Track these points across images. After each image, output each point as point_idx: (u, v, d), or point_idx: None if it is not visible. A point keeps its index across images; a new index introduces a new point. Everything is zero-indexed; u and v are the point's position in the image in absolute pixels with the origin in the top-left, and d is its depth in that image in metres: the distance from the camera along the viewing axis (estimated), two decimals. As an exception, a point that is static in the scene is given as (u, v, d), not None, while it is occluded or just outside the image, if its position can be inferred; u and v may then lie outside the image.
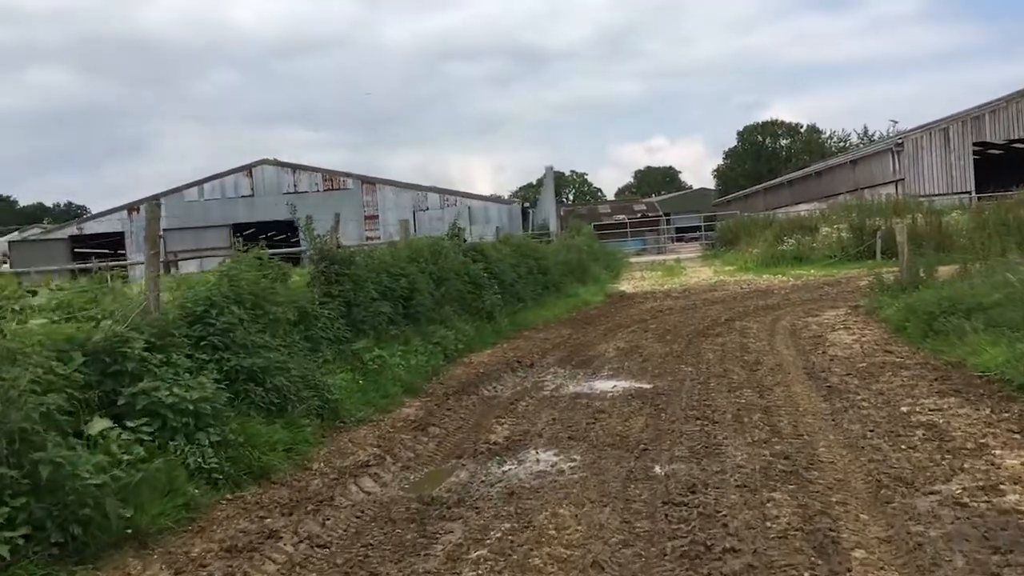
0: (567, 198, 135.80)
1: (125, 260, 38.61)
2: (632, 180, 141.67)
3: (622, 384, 10.08)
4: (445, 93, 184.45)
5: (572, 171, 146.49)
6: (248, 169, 44.06)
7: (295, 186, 44.08)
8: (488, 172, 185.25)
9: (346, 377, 8.32)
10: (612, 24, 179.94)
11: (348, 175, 44.61)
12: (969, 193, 42.22)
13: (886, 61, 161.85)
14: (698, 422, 7.73)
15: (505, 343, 14.01)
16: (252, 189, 43.87)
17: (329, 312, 8.89)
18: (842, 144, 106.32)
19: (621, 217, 75.16)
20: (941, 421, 7.16)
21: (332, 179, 44.32)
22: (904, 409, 7.71)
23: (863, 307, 16.50)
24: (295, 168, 44.32)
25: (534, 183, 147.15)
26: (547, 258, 20.43)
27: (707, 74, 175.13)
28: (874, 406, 7.93)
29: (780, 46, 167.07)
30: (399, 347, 10.12)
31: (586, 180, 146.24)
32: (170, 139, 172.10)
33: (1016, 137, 43.76)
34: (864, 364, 10.41)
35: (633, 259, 41.17)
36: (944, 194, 41.54)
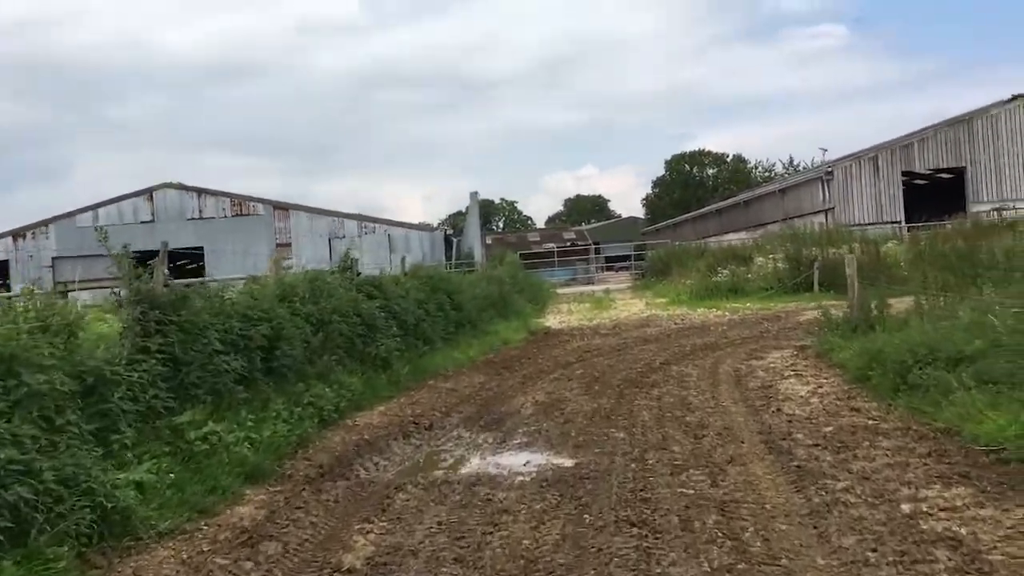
0: (497, 226, 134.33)
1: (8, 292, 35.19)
2: (562, 208, 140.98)
3: (537, 459, 7.96)
4: (377, 120, 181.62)
5: (502, 199, 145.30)
6: (149, 193, 41.02)
7: (200, 211, 41.21)
8: (419, 201, 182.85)
9: (153, 468, 5.99)
10: (546, 55, 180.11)
11: (259, 200, 41.91)
12: (899, 223, 41.66)
13: (808, 95, 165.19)
14: (634, 530, 5.64)
15: (404, 396, 11.79)
16: (153, 214, 40.80)
17: (141, 375, 6.56)
18: (767, 174, 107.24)
19: (550, 246, 73.70)
20: (964, 532, 5.21)
21: (241, 204, 41.56)
22: (906, 508, 5.75)
23: (811, 348, 14.79)
24: (200, 192, 41.44)
25: (463, 211, 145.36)
26: (463, 291, 18.29)
27: (637, 106, 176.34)
28: (864, 502, 5.96)
29: (709, 79, 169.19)
30: (250, 415, 7.81)
31: (516, 208, 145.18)
32: (89, 165, 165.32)
33: (944, 166, 43.48)
34: (831, 428, 8.51)
35: (561, 290, 39.34)
36: (874, 223, 40.86)
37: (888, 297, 15.28)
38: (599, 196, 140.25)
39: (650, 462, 7.52)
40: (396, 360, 12.17)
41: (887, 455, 7.23)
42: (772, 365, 13.42)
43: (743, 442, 8.16)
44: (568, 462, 7.75)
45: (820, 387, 11.05)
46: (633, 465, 7.45)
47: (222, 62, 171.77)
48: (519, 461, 7.96)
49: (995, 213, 36.39)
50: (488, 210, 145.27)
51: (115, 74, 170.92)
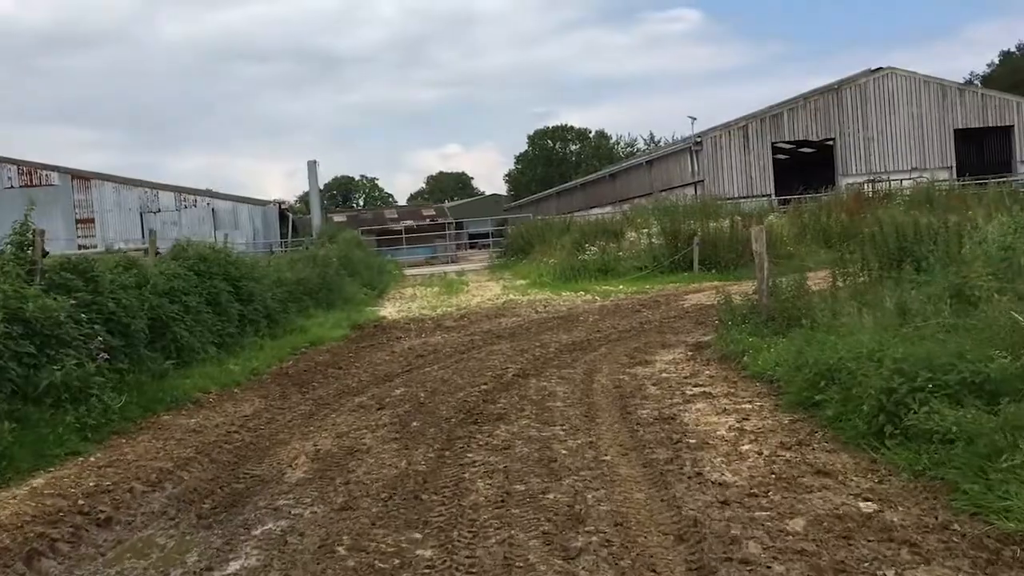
0: (357, 203, 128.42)
1: None
2: (424, 186, 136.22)
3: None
4: (232, 94, 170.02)
5: (362, 176, 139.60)
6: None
7: (-22, 181, 34.52)
8: (280, 178, 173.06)
9: None
10: (406, 32, 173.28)
11: (54, 168, 35.54)
12: (769, 195, 39.55)
13: (665, 76, 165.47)
14: None
15: (102, 450, 7.34)
16: (-88, 183, 33.84)
17: None
18: (630, 150, 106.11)
19: (409, 223, 69.22)
20: None
21: (31, 172, 35.07)
22: None
23: (710, 347, 11.23)
24: (-22, 158, 34.72)
25: (321, 188, 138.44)
26: (258, 278, 13.79)
27: (500, 84, 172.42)
28: None
29: (568, 59, 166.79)
30: None
31: (376, 185, 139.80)
32: None
33: (814, 137, 41.67)
34: (802, 526, 4.76)
35: (411, 271, 35.09)
36: (745, 197, 38.54)
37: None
38: (462, 173, 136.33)
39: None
40: (100, 388, 7.68)
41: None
42: (665, 375, 9.74)
43: (656, 572, 4.27)
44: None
45: (746, 419, 7.37)
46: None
47: (58, 30, 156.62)
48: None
49: (868, 185, 34.58)
50: (348, 187, 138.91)
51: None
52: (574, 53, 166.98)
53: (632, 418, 7.66)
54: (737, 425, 7.17)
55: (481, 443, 7.03)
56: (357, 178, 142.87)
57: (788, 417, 7.27)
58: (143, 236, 36.28)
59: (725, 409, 7.78)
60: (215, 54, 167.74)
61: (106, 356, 7.89)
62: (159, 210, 36.33)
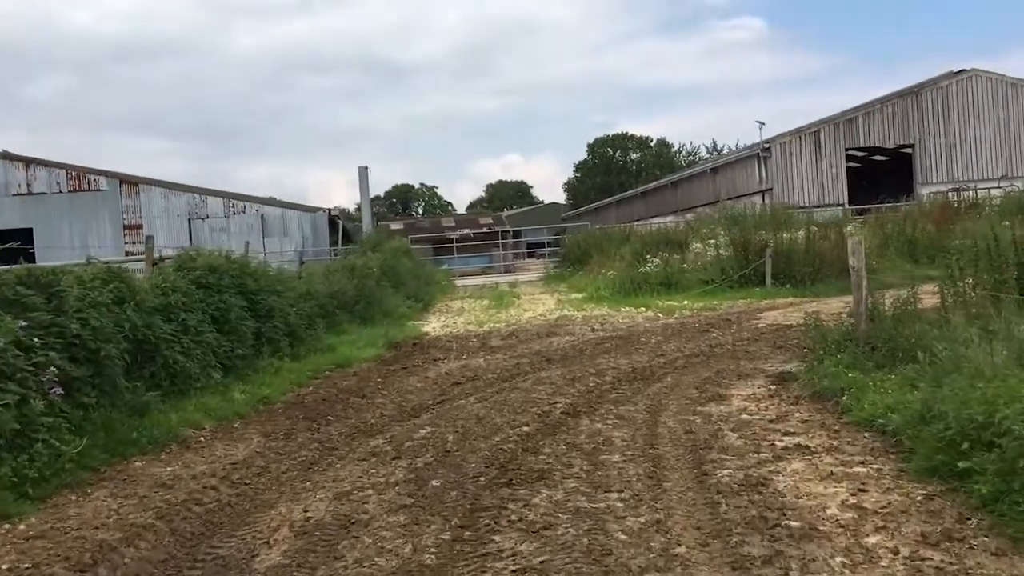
0: (416, 212, 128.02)
1: None
2: (483, 194, 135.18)
3: None
4: (298, 105, 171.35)
5: (421, 184, 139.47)
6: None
7: (29, 185, 34.09)
8: (343, 187, 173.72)
9: None
10: (468, 41, 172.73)
11: (102, 173, 34.94)
12: (842, 205, 37.15)
13: (727, 85, 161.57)
14: None
15: (38, 512, 5.87)
16: (-38, 189, 33.53)
17: None
18: (691, 158, 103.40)
19: (466, 231, 68.07)
20: None
21: (80, 177, 34.56)
22: None
23: (797, 379, 9.44)
24: (28, 162, 34.31)
25: (381, 196, 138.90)
26: (283, 291, 12.37)
27: (561, 93, 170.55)
28: None
29: (630, 69, 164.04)
30: None
31: (436, 193, 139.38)
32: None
33: (891, 143, 39.11)
34: None
35: (463, 281, 33.65)
36: (817, 206, 36.21)
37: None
38: (522, 182, 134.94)
39: None
40: (51, 430, 6.23)
41: None
42: (746, 416, 8.00)
43: None
44: None
45: (863, 489, 5.61)
46: None
47: (132, 40, 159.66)
48: None
49: (953, 194, 32.02)
50: (407, 195, 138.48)
51: (19, 52, 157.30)
52: (636, 63, 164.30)
53: (710, 482, 5.94)
54: (853, 500, 5.41)
55: (513, 518, 5.38)
56: (416, 186, 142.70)
57: (921, 490, 5.49)
58: (190, 242, 35.57)
59: (832, 473, 6.01)
60: (281, 65, 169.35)
61: (60, 391, 6.46)
62: (207, 216, 35.50)
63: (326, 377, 11.58)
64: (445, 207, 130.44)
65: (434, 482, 6.30)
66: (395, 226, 70.45)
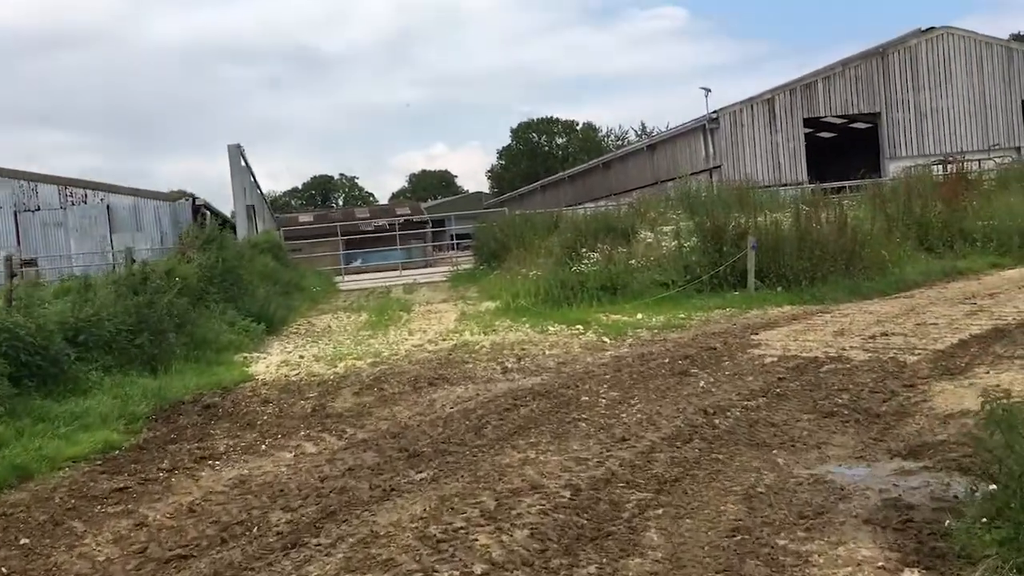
0: (337, 203, 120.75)
1: None
2: (406, 184, 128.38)
3: None
4: (216, 97, 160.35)
5: (341, 175, 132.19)
6: None
7: None
8: (263, 179, 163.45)
9: None
10: (391, 32, 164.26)
11: None
12: (801, 184, 32.00)
13: (650, 75, 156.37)
14: None
15: None
16: None
17: None
18: (620, 143, 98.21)
19: (381, 222, 61.70)
20: None
21: None
22: None
23: (965, 553, 3.70)
24: None
25: (298, 187, 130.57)
26: None
27: (487, 83, 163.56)
28: None
29: (552, 59, 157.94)
30: None
31: (356, 184, 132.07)
32: None
33: (856, 111, 34.18)
34: None
35: (351, 283, 27.56)
36: (772, 185, 31.03)
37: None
38: (445, 171, 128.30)
39: None
40: None
41: None
42: None
43: None
44: None
45: None
46: None
47: (38, 31, 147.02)
48: None
49: (939, 167, 27.11)
50: (327, 187, 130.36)
51: None
52: (558, 53, 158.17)
53: None
54: None
55: None
56: (336, 177, 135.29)
57: None
58: (18, 242, 28.62)
59: None
60: (199, 54, 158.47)
61: None
62: (38, 208, 28.61)
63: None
64: (366, 198, 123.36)
65: None
66: (304, 218, 64.06)
